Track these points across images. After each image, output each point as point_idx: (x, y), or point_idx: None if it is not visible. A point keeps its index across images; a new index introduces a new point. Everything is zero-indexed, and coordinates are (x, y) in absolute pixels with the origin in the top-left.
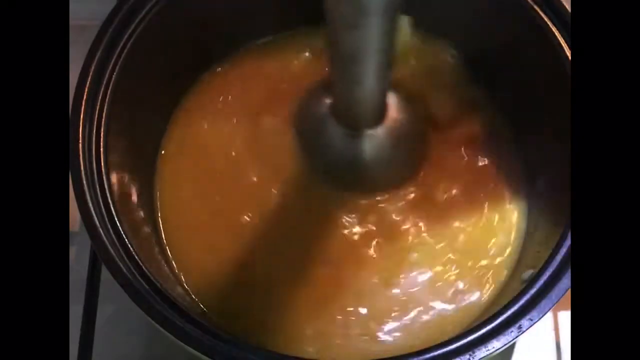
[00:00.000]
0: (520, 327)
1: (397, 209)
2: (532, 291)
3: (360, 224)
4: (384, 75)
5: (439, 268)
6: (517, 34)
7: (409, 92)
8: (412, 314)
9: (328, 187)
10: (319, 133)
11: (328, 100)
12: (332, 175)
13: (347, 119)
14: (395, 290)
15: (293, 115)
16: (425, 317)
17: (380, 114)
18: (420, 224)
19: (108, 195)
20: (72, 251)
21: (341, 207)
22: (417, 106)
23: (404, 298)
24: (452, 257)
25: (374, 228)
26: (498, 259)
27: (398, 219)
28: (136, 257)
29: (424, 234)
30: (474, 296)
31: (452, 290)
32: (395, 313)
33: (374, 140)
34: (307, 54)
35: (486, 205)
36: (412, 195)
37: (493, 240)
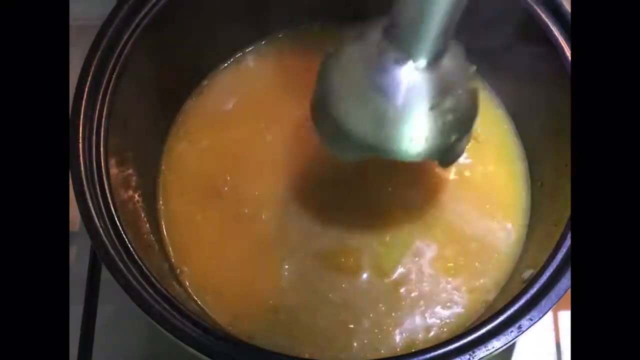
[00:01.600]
0: (520, 327)
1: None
2: (532, 291)
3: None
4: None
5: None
6: (517, 34)
7: None
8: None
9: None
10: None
11: (377, 36)
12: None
13: (404, 37)
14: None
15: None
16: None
17: (442, 41)
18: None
19: (108, 195)
20: (72, 251)
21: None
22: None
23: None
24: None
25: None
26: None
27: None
28: (136, 257)
29: None
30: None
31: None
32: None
33: (425, 74)
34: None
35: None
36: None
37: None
